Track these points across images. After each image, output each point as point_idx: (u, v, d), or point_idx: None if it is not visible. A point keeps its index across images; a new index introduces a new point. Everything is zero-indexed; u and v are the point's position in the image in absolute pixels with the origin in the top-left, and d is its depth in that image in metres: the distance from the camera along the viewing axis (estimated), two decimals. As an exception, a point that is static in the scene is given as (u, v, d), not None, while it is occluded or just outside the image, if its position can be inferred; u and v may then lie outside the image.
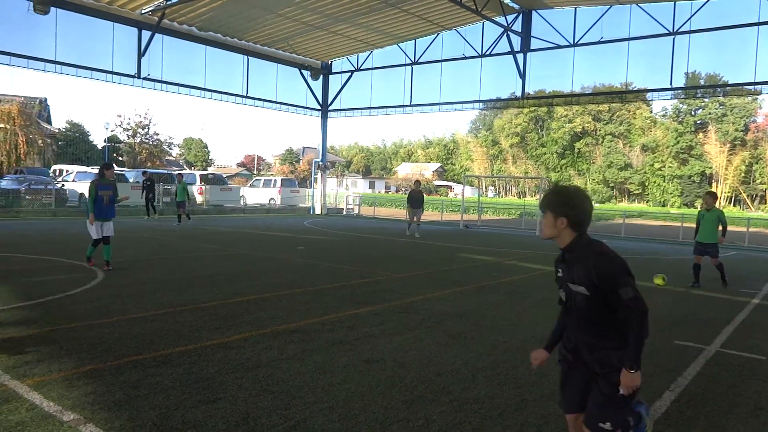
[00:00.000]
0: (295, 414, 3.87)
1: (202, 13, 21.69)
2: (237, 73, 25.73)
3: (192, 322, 6.23)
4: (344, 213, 32.04)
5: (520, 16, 22.45)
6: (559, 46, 21.91)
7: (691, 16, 19.14)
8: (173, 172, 33.50)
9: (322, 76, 29.14)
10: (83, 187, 25.13)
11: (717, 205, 10.65)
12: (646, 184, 70.12)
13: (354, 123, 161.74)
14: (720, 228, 10.08)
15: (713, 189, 64.95)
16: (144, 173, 24.95)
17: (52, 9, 18.90)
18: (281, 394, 4.23)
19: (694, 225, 10.54)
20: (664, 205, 63.71)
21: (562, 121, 76.37)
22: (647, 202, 68.62)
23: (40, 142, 35.94)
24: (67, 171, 29.75)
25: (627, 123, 73.66)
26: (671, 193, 66.41)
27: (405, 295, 8.31)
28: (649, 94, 23.24)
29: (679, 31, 19.52)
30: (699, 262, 10.31)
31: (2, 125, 33.43)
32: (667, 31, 19.74)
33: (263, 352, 5.24)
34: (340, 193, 39.35)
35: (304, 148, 74.07)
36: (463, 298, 8.30)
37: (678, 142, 66.29)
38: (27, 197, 22.20)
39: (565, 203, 2.72)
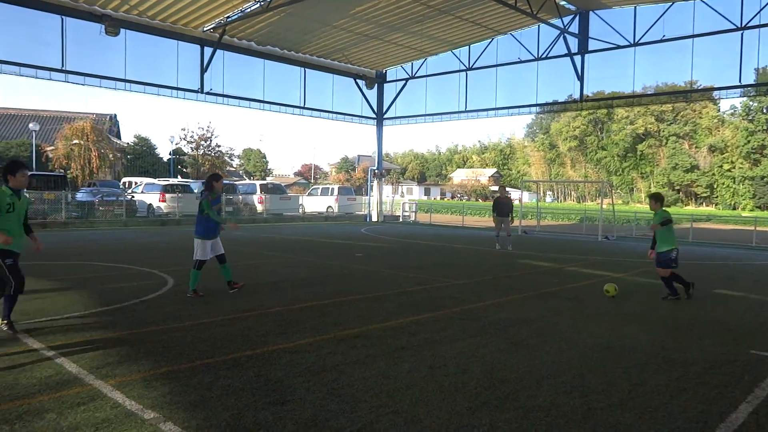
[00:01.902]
0: (361, 417, 3.95)
1: (260, 28, 22.41)
2: (294, 85, 26.40)
3: (258, 327, 6.45)
4: (401, 220, 32.16)
5: (577, 17, 22.04)
6: (618, 47, 21.37)
7: (761, 10, 18.27)
8: (234, 182, 34.57)
9: (376, 84, 29.46)
10: (151, 198, 26.32)
11: None
12: (715, 186, 66.88)
13: (408, 130, 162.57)
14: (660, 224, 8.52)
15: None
16: None
17: (122, 30, 19.97)
18: (347, 397, 4.33)
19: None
20: (734, 208, 60.59)
21: (623, 123, 73.88)
22: (716, 205, 65.43)
23: (110, 156, 37.87)
24: (136, 183, 31.26)
25: (692, 123, 70.55)
26: (742, 196, 63.09)
27: (465, 302, 8.30)
28: (716, 93, 22.28)
29: (748, 25, 18.66)
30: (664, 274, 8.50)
31: (77, 141, 35.48)
32: (734, 26, 18.92)
33: (328, 357, 5.36)
34: (396, 200, 39.50)
35: (359, 156, 74.74)
36: (524, 305, 8.21)
37: (749, 142, 62.94)
38: (100, 208, 23.47)
39: None
